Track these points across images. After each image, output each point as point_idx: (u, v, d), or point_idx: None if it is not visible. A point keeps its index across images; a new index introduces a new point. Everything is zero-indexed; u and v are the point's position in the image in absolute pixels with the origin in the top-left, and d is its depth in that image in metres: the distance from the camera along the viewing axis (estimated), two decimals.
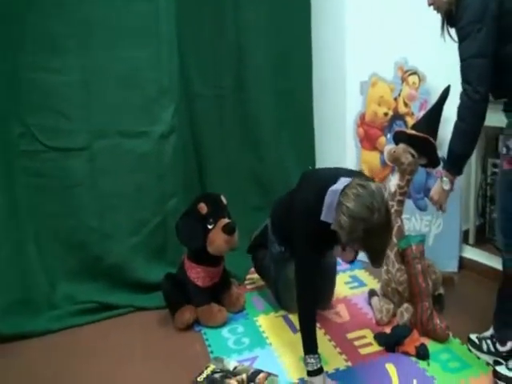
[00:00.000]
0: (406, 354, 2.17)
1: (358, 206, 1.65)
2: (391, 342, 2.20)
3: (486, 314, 2.19)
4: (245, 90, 3.31)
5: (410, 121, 2.91)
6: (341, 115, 3.30)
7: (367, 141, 3.16)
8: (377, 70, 3.06)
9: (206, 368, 2.07)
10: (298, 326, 2.01)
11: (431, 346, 2.20)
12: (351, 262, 2.28)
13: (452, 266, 2.90)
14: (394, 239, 2.45)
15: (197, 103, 3.14)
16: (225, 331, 2.45)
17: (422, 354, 2.13)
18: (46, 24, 2.55)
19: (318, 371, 1.93)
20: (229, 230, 2.41)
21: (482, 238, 2.95)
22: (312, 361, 1.92)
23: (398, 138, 2.51)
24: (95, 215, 2.74)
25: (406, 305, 2.36)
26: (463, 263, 2.95)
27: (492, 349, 2.10)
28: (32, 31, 2.53)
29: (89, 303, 2.65)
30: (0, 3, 2.44)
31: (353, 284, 2.87)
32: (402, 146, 2.46)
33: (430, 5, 1.97)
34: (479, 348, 2.14)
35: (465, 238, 2.96)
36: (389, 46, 2.98)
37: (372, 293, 2.61)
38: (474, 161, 2.84)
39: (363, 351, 2.22)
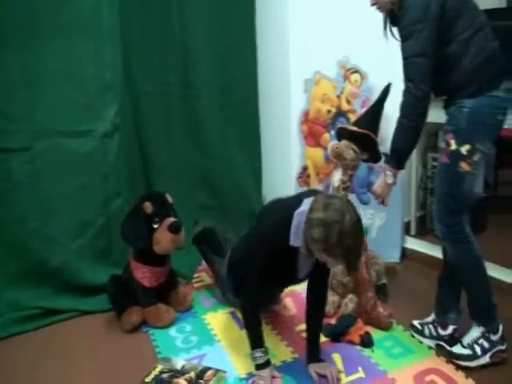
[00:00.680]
0: (351, 342, 2.22)
1: (328, 212, 1.66)
2: (337, 333, 2.24)
3: (427, 301, 2.27)
4: (191, 87, 3.30)
5: (353, 118, 2.97)
6: (285, 112, 3.33)
7: (311, 137, 3.20)
8: (320, 68, 3.10)
9: (154, 369, 2.05)
10: None
11: (375, 333, 2.26)
12: None
13: (395, 257, 2.99)
14: None
15: (142, 101, 3.10)
16: (172, 331, 2.43)
17: (367, 341, 2.19)
18: None
19: (266, 364, 1.95)
20: (174, 228, 2.39)
21: (423, 229, 3.05)
22: (259, 354, 1.94)
23: (341, 134, 2.56)
24: (37, 218, 2.65)
25: (350, 295, 2.41)
26: (405, 253, 3.05)
27: (434, 333, 2.18)
28: None
29: (33, 309, 2.56)
30: None
31: None
32: (344, 142, 2.50)
33: (372, 5, 2.01)
34: (422, 333, 2.22)
35: (406, 229, 3.06)
36: (331, 45, 3.02)
37: None
38: (414, 155, 2.94)
39: None
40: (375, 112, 2.52)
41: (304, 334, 2.27)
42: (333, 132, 3.03)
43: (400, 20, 1.87)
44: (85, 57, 2.71)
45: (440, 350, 2.13)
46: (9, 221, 2.60)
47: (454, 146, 1.87)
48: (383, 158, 2.63)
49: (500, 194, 3.57)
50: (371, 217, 3.01)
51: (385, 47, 2.68)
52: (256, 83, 3.67)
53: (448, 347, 2.10)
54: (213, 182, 3.46)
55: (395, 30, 1.99)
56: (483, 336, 2.00)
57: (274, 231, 1.84)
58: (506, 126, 1.96)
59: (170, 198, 2.52)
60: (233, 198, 3.49)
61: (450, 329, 2.15)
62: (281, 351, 2.20)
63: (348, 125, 2.85)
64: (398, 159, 2.02)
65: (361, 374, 2.02)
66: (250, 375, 2.03)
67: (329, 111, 3.10)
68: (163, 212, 2.45)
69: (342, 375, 2.01)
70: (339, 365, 2.07)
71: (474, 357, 1.99)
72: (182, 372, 2.03)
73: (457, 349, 2.04)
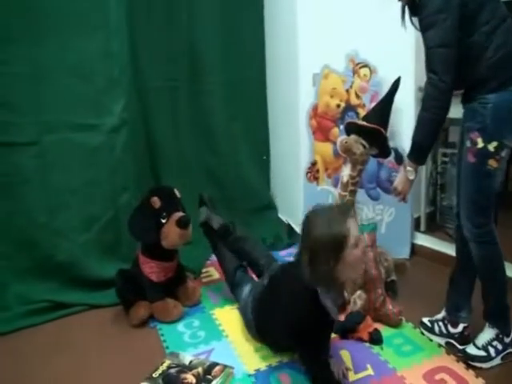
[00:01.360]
0: (360, 340, 2.20)
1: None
2: (345, 329, 2.22)
3: (437, 298, 2.25)
4: (198, 82, 3.30)
5: (362, 112, 2.94)
6: (294, 107, 3.31)
7: (320, 132, 3.18)
8: (329, 62, 3.08)
9: (162, 364, 2.04)
10: None
11: (384, 331, 2.24)
12: None
13: (404, 253, 2.96)
14: None
15: (149, 96, 3.09)
16: (180, 326, 2.42)
17: (376, 339, 2.17)
18: None
19: None
20: (182, 223, 2.38)
21: (433, 225, 3.02)
22: None
23: (350, 128, 2.54)
24: (45, 212, 2.65)
25: (358, 292, 2.39)
26: (415, 250, 3.02)
27: (444, 331, 2.16)
28: None
29: (41, 302, 2.57)
30: None
31: None
32: (353, 136, 2.48)
33: None
34: (431, 330, 2.20)
35: (416, 225, 3.03)
36: (340, 39, 3.00)
37: None
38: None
39: None
40: (385, 106, 2.50)
41: None
42: (342, 127, 3.00)
43: (422, 9, 1.81)
44: (92, 52, 2.70)
45: (450, 348, 2.11)
46: (17, 215, 2.61)
47: (481, 144, 1.81)
48: (392, 153, 2.62)
49: (511, 190, 3.52)
50: (380, 212, 2.99)
51: (394, 41, 2.68)
52: (264, 77, 3.65)
53: (458, 345, 2.08)
54: (220, 176, 3.45)
55: (415, 19, 1.94)
56: (497, 338, 1.98)
57: (310, 317, 1.82)
58: None
59: (177, 193, 2.51)
60: (240, 192, 3.49)
61: (461, 327, 2.13)
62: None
63: (357, 119, 2.84)
64: (418, 154, 1.98)
65: (370, 371, 2.00)
66: (258, 371, 2.03)
67: (338, 106, 3.08)
68: (171, 207, 2.43)
69: (351, 372, 1.99)
70: (348, 362, 2.05)
71: (489, 358, 1.97)
72: (189, 367, 2.02)
73: (471, 349, 2.01)
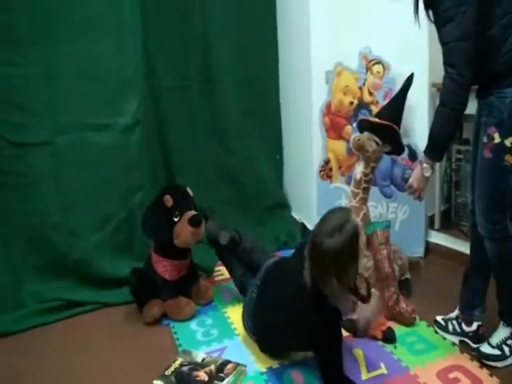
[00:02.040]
0: (374, 338, 2.19)
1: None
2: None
3: (451, 297, 2.23)
4: (211, 80, 3.30)
5: (375, 109, 2.92)
6: (307, 105, 3.29)
7: (333, 130, 3.16)
8: (341, 59, 3.06)
9: (174, 361, 2.05)
10: None
11: (398, 329, 2.23)
12: None
13: (418, 251, 2.93)
14: None
15: (163, 95, 3.11)
16: (193, 324, 2.43)
17: (389, 337, 2.16)
18: (1, 15, 2.47)
19: None
20: (195, 222, 2.38)
21: (448, 223, 2.99)
22: None
23: (363, 126, 2.53)
24: (60, 211, 2.68)
25: (372, 290, 2.37)
26: (429, 248, 2.99)
27: (458, 329, 2.14)
28: None
29: (56, 301, 2.59)
30: None
31: None
32: (366, 133, 2.47)
33: None
34: (445, 329, 2.18)
35: (430, 223, 3.00)
36: (353, 36, 2.98)
37: None
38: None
39: None
40: (397, 103, 2.49)
41: None
42: (355, 124, 2.98)
43: (440, 2, 1.77)
44: (106, 52, 2.72)
45: (464, 347, 2.09)
46: (31, 214, 2.64)
47: (498, 140, 1.78)
48: (406, 150, 2.60)
49: None
50: (394, 210, 2.97)
51: (407, 37, 2.66)
52: (277, 76, 3.65)
53: (472, 344, 2.06)
54: (233, 175, 3.45)
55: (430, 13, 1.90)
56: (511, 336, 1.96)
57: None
58: None
59: (190, 192, 2.52)
60: (253, 191, 3.49)
61: (475, 325, 2.10)
62: None
63: (370, 116, 2.82)
64: (436, 150, 1.95)
65: (383, 370, 1.99)
66: (270, 369, 2.03)
67: (351, 103, 3.06)
68: (184, 205, 2.44)
69: (364, 371, 1.99)
70: (361, 360, 2.05)
71: (503, 357, 1.95)
72: (202, 365, 2.03)
73: (485, 348, 1.99)
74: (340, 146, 3.16)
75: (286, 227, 3.44)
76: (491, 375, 1.91)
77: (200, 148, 3.32)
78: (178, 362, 2.05)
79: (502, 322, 1.99)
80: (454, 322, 2.15)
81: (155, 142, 3.06)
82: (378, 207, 2.98)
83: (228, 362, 2.04)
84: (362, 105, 3.03)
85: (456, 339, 2.13)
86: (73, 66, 2.66)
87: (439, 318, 2.22)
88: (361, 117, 2.84)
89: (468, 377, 1.91)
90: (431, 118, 1.98)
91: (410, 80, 2.45)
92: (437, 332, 2.21)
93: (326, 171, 3.23)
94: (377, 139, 2.43)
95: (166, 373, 1.98)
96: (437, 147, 1.95)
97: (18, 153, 2.60)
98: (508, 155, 1.79)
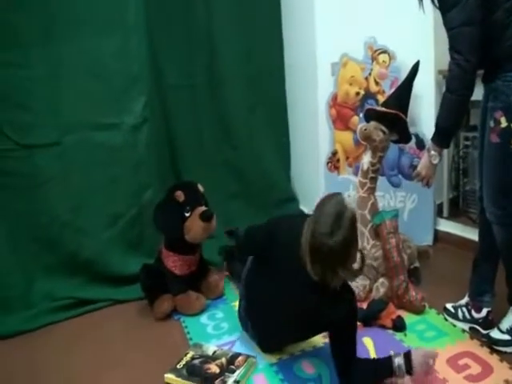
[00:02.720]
0: (383, 327, 2.19)
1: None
2: (368, 317, 2.20)
3: (460, 284, 2.22)
4: (217, 77, 3.31)
5: (382, 99, 2.91)
6: (313, 97, 3.30)
7: (340, 121, 3.16)
8: (347, 50, 3.06)
9: (186, 355, 2.07)
10: None
11: (408, 318, 2.23)
12: None
13: (427, 240, 2.93)
14: (368, 216, 2.46)
15: (169, 93, 3.12)
16: (204, 318, 2.45)
17: (399, 325, 2.16)
18: (4, 16, 2.48)
19: None
20: (206, 217, 2.39)
21: (456, 211, 2.97)
22: None
23: (369, 115, 2.52)
24: (69, 211, 2.70)
25: (381, 279, 2.38)
26: (438, 236, 2.98)
27: (468, 316, 2.13)
28: None
29: (67, 299, 2.62)
30: None
31: None
32: (373, 123, 2.47)
33: None
34: (455, 316, 2.17)
35: (439, 211, 2.98)
36: (358, 26, 2.98)
37: None
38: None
39: None
40: (404, 91, 2.48)
41: None
42: (361, 115, 2.98)
43: None
44: (111, 51, 2.73)
45: (474, 333, 2.08)
46: (41, 214, 2.66)
47: (504, 124, 1.77)
48: (413, 139, 2.58)
49: None
50: (402, 199, 2.96)
51: (412, 25, 2.64)
52: (282, 70, 3.65)
53: (482, 330, 2.05)
54: (241, 170, 3.45)
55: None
56: None
57: None
58: None
59: (201, 188, 2.53)
60: (261, 185, 3.49)
61: (484, 311, 2.09)
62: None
63: (377, 106, 2.81)
64: (443, 137, 1.95)
65: None
66: (281, 360, 2.04)
67: (357, 93, 3.05)
68: (194, 201, 2.46)
69: None
70: (371, 349, 2.04)
71: None
72: (213, 358, 2.04)
73: (495, 334, 1.98)
74: (347, 137, 3.15)
75: None
76: (501, 360, 1.90)
77: (207, 144, 3.33)
78: (189, 355, 2.06)
79: (511, 308, 1.98)
80: (464, 308, 2.14)
81: (162, 140, 3.07)
82: (385, 197, 2.98)
83: (239, 354, 2.05)
84: (369, 95, 3.02)
85: (466, 326, 2.12)
86: (78, 66, 2.67)
87: (449, 306, 2.21)
88: (367, 107, 2.84)
89: (478, 363, 1.90)
90: (438, 106, 1.97)
91: (415, 68, 2.44)
92: (446, 319, 2.20)
93: (333, 162, 3.23)
94: (384, 128, 2.42)
95: (178, 366, 2.00)
96: (444, 134, 1.94)
97: (26, 154, 2.61)
98: None
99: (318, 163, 3.28)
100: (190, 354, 2.08)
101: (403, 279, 2.31)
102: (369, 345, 2.08)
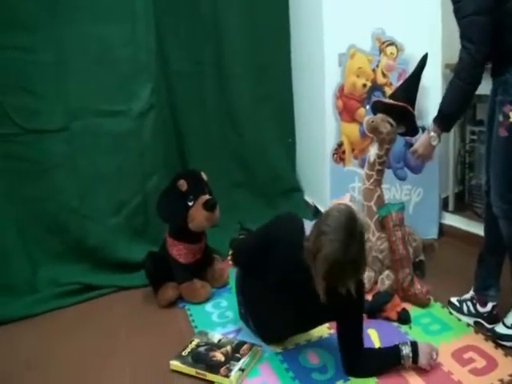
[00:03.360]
0: (388, 319, 2.19)
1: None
2: (373, 309, 2.21)
3: (466, 278, 2.22)
4: (223, 65, 3.30)
5: (389, 91, 2.89)
6: (319, 88, 3.28)
7: (346, 113, 3.15)
8: (354, 41, 3.04)
9: (191, 342, 2.08)
10: None
11: (413, 310, 2.23)
12: None
13: (432, 233, 2.93)
14: (374, 208, 2.47)
15: (176, 80, 3.13)
16: (209, 306, 2.46)
17: (404, 318, 2.16)
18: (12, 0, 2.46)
19: None
20: (209, 206, 2.40)
21: (462, 205, 2.97)
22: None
23: (376, 107, 2.51)
24: (75, 197, 2.71)
25: (386, 272, 2.38)
26: (443, 230, 2.99)
27: (473, 310, 2.13)
28: None
29: (72, 285, 2.63)
30: None
31: None
32: (380, 115, 2.46)
33: None
34: (460, 310, 2.18)
35: (444, 205, 2.99)
36: (366, 18, 2.95)
37: None
38: (452, 128, 2.86)
39: None
40: (411, 84, 2.46)
41: None
42: (368, 107, 2.97)
43: None
44: (118, 37, 2.72)
45: (478, 327, 2.09)
46: (48, 200, 2.67)
47: None
48: (420, 132, 2.58)
49: None
50: (408, 192, 2.96)
51: (420, 17, 2.63)
52: (289, 59, 3.63)
53: (487, 324, 2.06)
54: (246, 159, 3.46)
55: None
56: None
57: None
58: None
59: (204, 176, 2.53)
60: (266, 175, 3.50)
61: (489, 306, 2.09)
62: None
63: (384, 98, 2.80)
64: (445, 120, 1.96)
65: None
66: (286, 350, 2.05)
67: (364, 85, 3.03)
68: (198, 190, 2.45)
69: None
70: (376, 341, 2.05)
71: None
72: (218, 345, 2.05)
73: (499, 328, 1.99)
74: (353, 129, 3.14)
75: (299, 211, 3.42)
76: (506, 355, 1.91)
77: (213, 133, 3.33)
78: (194, 343, 2.07)
79: None
80: (469, 303, 2.15)
81: (169, 128, 3.07)
82: (391, 189, 2.98)
83: (244, 342, 2.06)
84: (376, 87, 3.01)
85: (471, 320, 2.13)
86: (85, 52, 2.65)
87: (454, 300, 2.22)
88: (374, 99, 2.83)
89: (483, 357, 1.91)
90: None
91: (424, 60, 2.43)
92: (451, 313, 2.21)
93: (339, 154, 3.22)
94: (391, 120, 2.42)
95: (183, 353, 2.01)
96: (446, 117, 1.96)
97: (33, 139, 2.61)
98: None
99: (324, 154, 3.28)
100: (196, 341, 2.09)
101: (408, 272, 2.31)
102: (373, 337, 2.08)
